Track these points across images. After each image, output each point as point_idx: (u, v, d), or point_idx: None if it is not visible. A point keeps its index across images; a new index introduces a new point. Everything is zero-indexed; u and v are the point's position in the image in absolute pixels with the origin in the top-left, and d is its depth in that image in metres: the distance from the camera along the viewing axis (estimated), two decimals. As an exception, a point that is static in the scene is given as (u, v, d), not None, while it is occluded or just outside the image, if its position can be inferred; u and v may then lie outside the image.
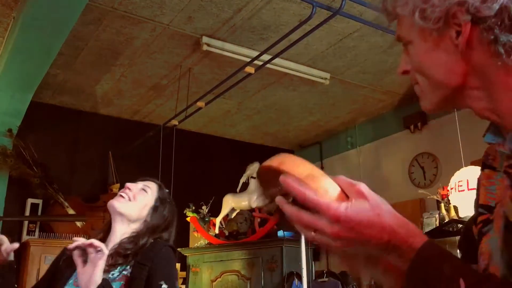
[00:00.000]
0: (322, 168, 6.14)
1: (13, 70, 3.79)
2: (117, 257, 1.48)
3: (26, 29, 3.23)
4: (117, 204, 1.59)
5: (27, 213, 4.61)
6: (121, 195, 1.61)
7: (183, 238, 4.73)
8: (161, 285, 1.41)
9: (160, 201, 1.71)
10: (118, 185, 4.94)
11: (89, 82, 4.63)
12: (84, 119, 5.23)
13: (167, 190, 1.80)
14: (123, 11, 3.47)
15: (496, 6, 0.62)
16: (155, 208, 1.67)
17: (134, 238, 1.54)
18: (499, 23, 0.63)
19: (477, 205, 0.74)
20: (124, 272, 1.47)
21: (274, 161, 0.68)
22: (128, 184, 1.66)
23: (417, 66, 0.72)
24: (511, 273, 0.59)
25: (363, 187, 0.64)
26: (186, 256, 4.57)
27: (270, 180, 0.68)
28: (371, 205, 0.62)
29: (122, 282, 1.45)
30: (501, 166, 0.68)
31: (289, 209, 0.64)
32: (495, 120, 0.70)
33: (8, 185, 4.54)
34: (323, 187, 0.64)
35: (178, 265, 4.56)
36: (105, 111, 5.31)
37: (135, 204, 1.62)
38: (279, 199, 0.66)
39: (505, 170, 0.65)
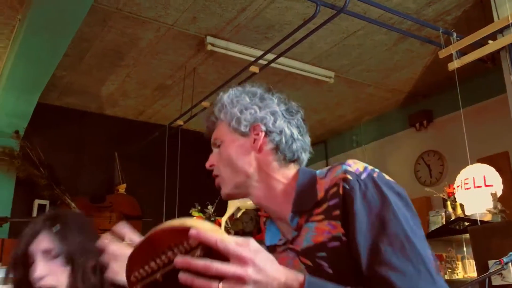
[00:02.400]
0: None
1: (19, 72, 3.81)
2: None
3: (32, 31, 3.25)
4: None
5: (35, 214, 4.63)
6: None
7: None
8: None
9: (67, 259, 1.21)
10: (124, 185, 4.96)
11: (95, 83, 4.64)
12: (90, 120, 5.25)
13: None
14: (127, 12, 3.48)
15: (278, 128, 0.99)
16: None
17: None
18: (279, 139, 0.98)
19: None
20: None
21: (175, 222, 0.70)
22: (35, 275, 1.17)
23: (225, 159, 1.00)
24: None
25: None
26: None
27: (154, 252, 0.68)
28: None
29: None
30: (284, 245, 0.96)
31: (200, 263, 0.67)
32: (266, 208, 0.99)
33: (15, 187, 4.57)
34: (227, 238, 0.69)
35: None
36: (111, 111, 5.33)
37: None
38: (183, 259, 0.67)
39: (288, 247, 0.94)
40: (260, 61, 3.60)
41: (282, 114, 1.00)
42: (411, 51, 4.15)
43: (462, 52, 3.26)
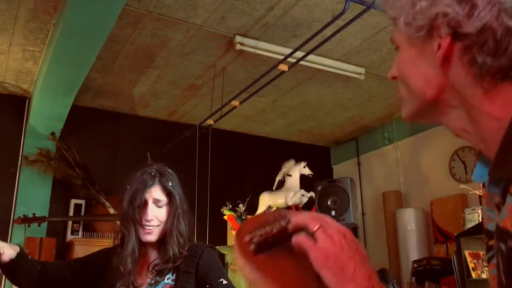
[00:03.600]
0: (359, 164, 6.07)
1: (54, 76, 3.92)
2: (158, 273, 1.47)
3: (66, 35, 3.33)
4: (150, 237, 1.48)
5: (71, 213, 4.76)
6: (147, 230, 1.48)
7: (221, 236, 4.77)
8: (222, 281, 1.43)
9: (171, 201, 1.52)
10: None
11: (127, 84, 4.73)
12: (122, 121, 5.36)
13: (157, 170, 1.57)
14: (157, 14, 3.53)
15: (478, 25, 0.58)
16: (173, 215, 1.52)
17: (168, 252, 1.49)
18: (481, 43, 0.58)
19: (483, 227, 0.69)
20: (166, 281, 1.47)
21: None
22: (146, 216, 1.47)
23: (399, 73, 0.69)
24: None
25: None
26: (224, 254, 4.61)
27: (262, 224, 0.73)
28: None
29: None
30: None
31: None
32: (472, 142, 0.66)
33: (52, 187, 4.70)
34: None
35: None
36: (143, 112, 5.42)
37: (160, 227, 1.50)
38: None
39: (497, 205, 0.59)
40: (289, 59, 3.58)
41: None
42: (443, 45, 4.06)
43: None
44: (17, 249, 1.50)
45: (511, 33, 0.57)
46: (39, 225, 4.30)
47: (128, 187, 1.51)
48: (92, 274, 1.55)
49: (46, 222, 4.46)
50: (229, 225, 4.90)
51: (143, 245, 1.50)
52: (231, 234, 4.90)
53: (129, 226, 1.46)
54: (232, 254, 4.55)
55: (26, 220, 4.21)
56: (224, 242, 4.85)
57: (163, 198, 1.50)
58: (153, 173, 1.53)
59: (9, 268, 1.47)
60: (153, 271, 1.46)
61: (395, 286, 3.79)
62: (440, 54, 0.61)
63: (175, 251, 1.46)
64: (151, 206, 1.47)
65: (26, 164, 4.57)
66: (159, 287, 1.46)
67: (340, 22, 3.08)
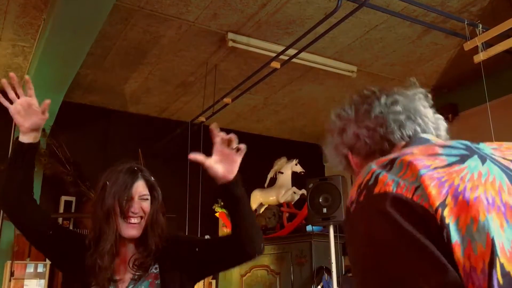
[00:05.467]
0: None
1: (45, 72, 3.88)
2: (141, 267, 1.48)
3: (56, 31, 3.31)
4: (133, 232, 1.47)
5: (61, 210, 4.73)
6: (131, 223, 1.48)
7: (212, 233, 4.77)
8: (205, 236, 1.51)
9: (152, 195, 1.56)
10: (148, 182, 5.02)
11: (118, 81, 4.71)
12: (114, 118, 5.33)
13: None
14: (149, 10, 3.51)
15: (353, 142, 1.05)
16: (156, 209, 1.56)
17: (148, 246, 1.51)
18: (357, 147, 1.04)
19: None
20: (149, 271, 1.48)
21: None
22: (133, 209, 1.48)
23: (354, 165, 1.09)
24: None
25: None
26: (215, 251, 4.62)
27: None
28: None
29: (150, 280, 1.46)
30: None
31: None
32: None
33: (42, 184, 4.67)
34: None
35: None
36: (134, 109, 5.40)
37: (143, 221, 1.51)
38: None
39: None
40: (282, 57, 3.58)
41: None
42: (435, 44, 4.08)
43: (488, 44, 3.19)
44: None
45: (369, 135, 1.00)
46: (29, 222, 4.27)
47: (108, 183, 1.49)
48: (66, 249, 1.51)
49: (36, 219, 4.42)
50: (220, 222, 4.90)
51: (121, 242, 1.48)
52: (223, 231, 4.90)
53: (111, 222, 1.44)
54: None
55: (15, 217, 4.18)
56: (215, 239, 4.86)
57: (147, 192, 1.53)
58: (135, 168, 1.56)
59: (32, 148, 1.49)
60: (134, 266, 1.46)
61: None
62: (350, 157, 1.07)
63: (157, 243, 1.48)
64: (136, 201, 1.49)
65: (16, 160, 4.53)
66: (143, 279, 1.46)
67: (332, 20, 3.09)
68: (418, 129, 0.98)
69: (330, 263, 3.50)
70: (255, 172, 4.84)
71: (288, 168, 4.49)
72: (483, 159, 0.73)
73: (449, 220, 0.64)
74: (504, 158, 0.75)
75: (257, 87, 4.19)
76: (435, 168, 0.70)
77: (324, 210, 3.48)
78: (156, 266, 1.49)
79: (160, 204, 1.58)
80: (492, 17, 3.45)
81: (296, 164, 4.52)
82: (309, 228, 4.03)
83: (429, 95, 1.09)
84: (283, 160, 4.52)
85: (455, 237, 0.63)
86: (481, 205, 0.65)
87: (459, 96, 4.87)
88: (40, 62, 3.75)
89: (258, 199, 4.46)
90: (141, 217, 1.49)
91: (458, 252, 0.62)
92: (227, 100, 4.16)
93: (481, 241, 0.62)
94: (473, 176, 0.69)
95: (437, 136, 1.04)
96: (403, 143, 0.95)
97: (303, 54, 3.71)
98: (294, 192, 4.36)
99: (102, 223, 1.45)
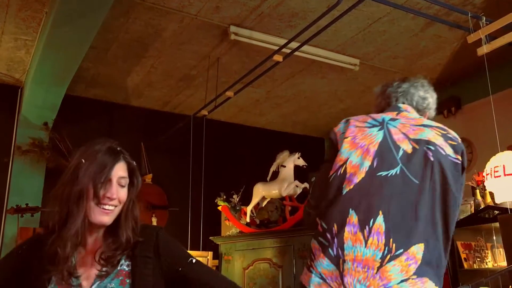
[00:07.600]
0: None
1: (47, 65, 3.88)
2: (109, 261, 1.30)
3: (58, 24, 3.30)
4: (106, 219, 1.31)
5: (64, 203, 4.74)
6: (105, 210, 1.32)
7: (215, 226, 4.78)
8: (192, 260, 1.34)
9: (131, 181, 1.39)
10: (150, 175, 5.03)
11: (120, 74, 4.70)
12: (116, 111, 5.33)
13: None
14: (151, 3, 3.50)
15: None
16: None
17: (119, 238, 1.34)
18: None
19: None
20: (120, 268, 1.31)
21: None
22: (111, 194, 1.31)
23: None
24: None
25: None
26: (218, 244, 4.63)
27: None
28: None
29: (120, 278, 1.29)
30: None
31: None
32: None
33: (45, 177, 4.68)
34: None
35: (204, 252, 4.63)
36: (137, 102, 5.40)
37: (118, 208, 1.35)
38: None
39: None
40: (284, 50, 3.57)
41: None
42: (438, 37, 4.06)
43: (492, 37, 3.16)
44: None
45: (379, 102, 1.84)
46: (32, 215, 4.29)
47: (83, 161, 1.33)
48: (21, 276, 1.30)
49: (39, 212, 4.45)
50: (223, 215, 4.91)
51: (88, 229, 1.31)
52: (225, 224, 4.91)
53: (80, 204, 1.27)
54: (226, 245, 4.56)
55: (19, 211, 4.19)
56: (218, 232, 4.86)
57: (126, 175, 1.36)
58: (118, 149, 1.38)
59: None
60: (101, 260, 1.27)
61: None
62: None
63: (128, 236, 1.32)
64: (114, 184, 1.32)
65: (19, 154, 4.55)
66: (113, 276, 1.29)
67: (335, 13, 3.07)
68: (406, 102, 1.69)
69: (333, 256, 3.49)
70: (257, 166, 4.85)
71: (290, 162, 4.48)
72: (381, 128, 1.53)
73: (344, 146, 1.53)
74: (399, 130, 1.51)
75: (260, 80, 4.18)
76: (356, 126, 1.58)
77: (327, 203, 3.49)
78: (128, 263, 1.31)
79: (137, 194, 1.40)
80: (496, 9, 3.43)
81: (298, 158, 4.51)
82: (311, 221, 4.02)
83: (428, 83, 1.74)
84: (286, 153, 4.51)
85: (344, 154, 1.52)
86: (357, 146, 1.51)
87: (462, 89, 4.85)
88: (43, 56, 3.75)
89: (261, 192, 4.46)
90: (117, 205, 1.32)
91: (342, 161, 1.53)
92: (229, 93, 4.15)
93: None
94: (367, 135, 1.51)
95: (417, 108, 1.69)
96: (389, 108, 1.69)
97: (305, 47, 3.69)
98: (297, 186, 4.35)
99: (71, 205, 1.27)
